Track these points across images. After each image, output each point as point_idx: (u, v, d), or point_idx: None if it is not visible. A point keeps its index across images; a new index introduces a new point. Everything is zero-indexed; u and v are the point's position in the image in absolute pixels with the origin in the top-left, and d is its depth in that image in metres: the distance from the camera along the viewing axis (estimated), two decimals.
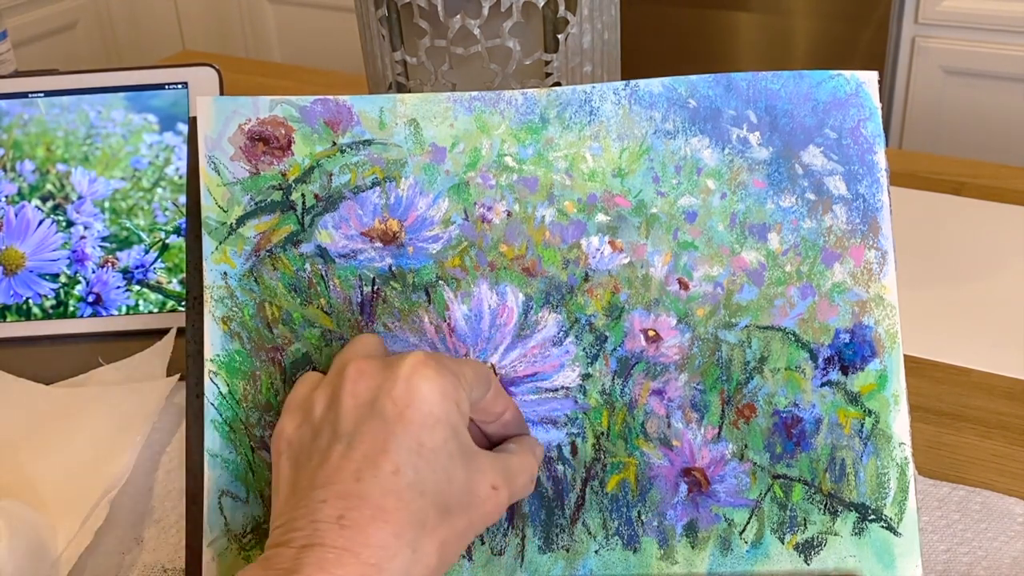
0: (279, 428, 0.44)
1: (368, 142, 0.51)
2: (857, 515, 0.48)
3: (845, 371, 0.49)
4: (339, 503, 0.38)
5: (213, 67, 0.75)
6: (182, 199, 0.74)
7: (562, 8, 0.62)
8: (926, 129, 1.71)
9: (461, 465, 0.41)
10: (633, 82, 0.51)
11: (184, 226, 0.74)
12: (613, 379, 0.49)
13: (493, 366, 0.49)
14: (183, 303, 0.73)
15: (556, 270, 0.50)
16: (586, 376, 0.49)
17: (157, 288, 0.74)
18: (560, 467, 0.49)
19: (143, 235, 0.75)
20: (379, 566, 0.37)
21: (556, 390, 0.49)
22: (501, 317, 0.50)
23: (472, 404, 0.44)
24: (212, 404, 0.50)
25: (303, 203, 0.51)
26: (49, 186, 0.75)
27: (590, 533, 0.49)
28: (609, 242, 0.50)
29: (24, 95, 0.76)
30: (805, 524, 0.49)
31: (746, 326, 0.49)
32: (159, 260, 0.74)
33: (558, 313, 0.50)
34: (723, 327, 0.49)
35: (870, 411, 0.49)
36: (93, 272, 0.74)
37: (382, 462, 0.39)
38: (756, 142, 0.50)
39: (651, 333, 0.49)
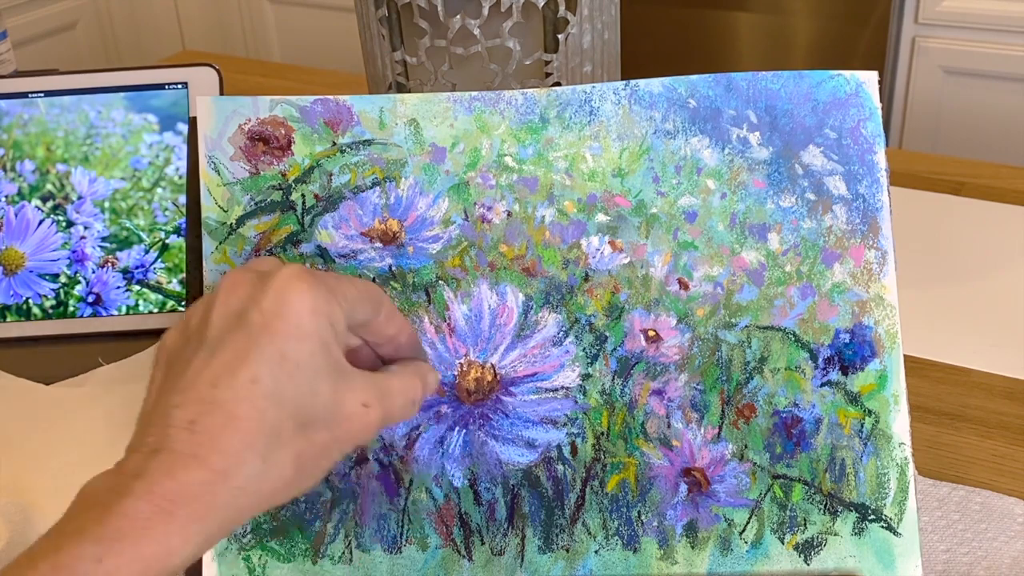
0: (162, 339, 0.44)
1: (368, 142, 0.51)
2: (857, 515, 0.48)
3: (845, 371, 0.49)
4: (192, 408, 0.38)
5: (213, 67, 0.75)
6: (182, 199, 0.74)
7: (562, 8, 0.62)
8: (926, 129, 1.71)
9: (328, 380, 0.40)
10: (633, 82, 0.51)
11: (184, 226, 0.74)
12: (613, 379, 0.49)
13: (493, 367, 0.49)
14: (183, 303, 0.73)
15: (556, 270, 0.50)
16: (586, 376, 0.49)
17: (157, 288, 0.74)
18: (560, 467, 0.49)
19: (143, 235, 0.75)
20: (226, 472, 0.37)
21: (556, 390, 0.49)
22: (501, 317, 0.50)
23: (359, 325, 0.44)
24: None
25: (303, 203, 0.51)
26: (49, 186, 0.75)
27: (590, 533, 0.49)
28: (609, 242, 0.50)
29: (24, 95, 0.76)
30: (805, 524, 0.49)
31: (746, 326, 0.49)
32: (159, 260, 0.74)
33: (558, 313, 0.50)
34: (723, 327, 0.49)
35: (870, 411, 0.49)
36: (93, 272, 0.74)
37: (240, 370, 0.39)
38: (756, 142, 0.50)
39: (651, 333, 0.49)
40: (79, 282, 0.74)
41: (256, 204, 0.51)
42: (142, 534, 0.35)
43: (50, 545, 0.35)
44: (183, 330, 0.43)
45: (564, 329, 0.50)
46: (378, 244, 0.50)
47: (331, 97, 0.51)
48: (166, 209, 0.75)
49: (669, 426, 0.49)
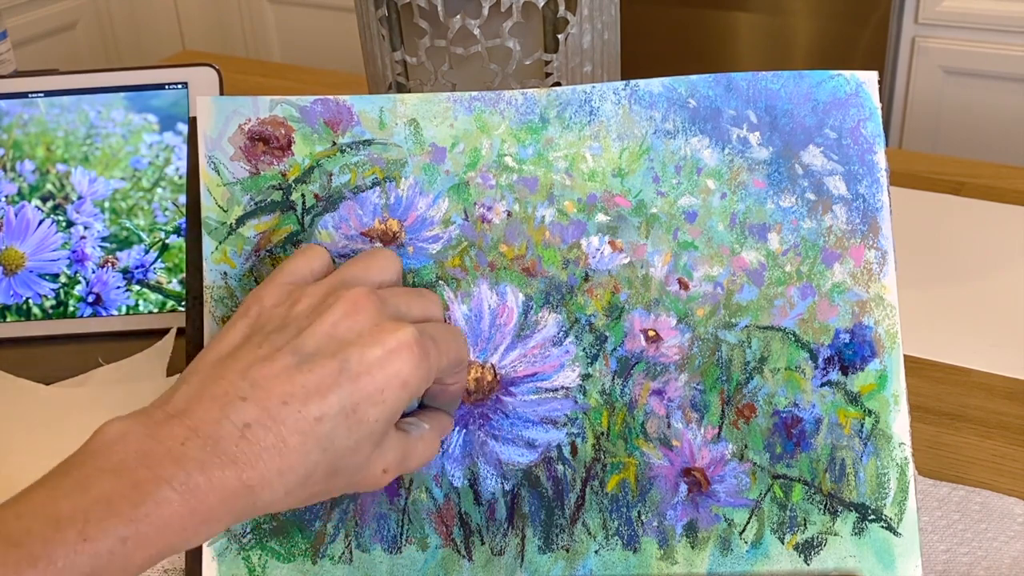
0: (260, 291, 0.43)
1: (368, 142, 0.51)
2: (857, 515, 0.48)
3: (845, 371, 0.49)
4: (255, 412, 0.38)
5: (213, 67, 0.75)
6: (182, 199, 0.74)
7: (562, 8, 0.62)
8: (926, 129, 1.71)
9: (372, 444, 0.41)
10: (633, 82, 0.51)
11: (184, 226, 0.74)
12: (613, 379, 0.49)
13: (493, 367, 0.49)
14: (183, 303, 0.73)
15: (556, 270, 0.50)
16: (586, 376, 0.49)
17: (157, 288, 0.74)
18: (560, 467, 0.49)
19: (143, 235, 0.75)
20: (253, 490, 0.37)
21: (556, 390, 0.49)
22: (501, 317, 0.50)
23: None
24: None
25: (303, 203, 0.51)
26: (49, 186, 0.75)
27: (590, 533, 0.49)
28: (609, 242, 0.50)
29: (24, 95, 0.76)
30: (805, 524, 0.49)
31: (746, 326, 0.49)
32: (159, 260, 0.74)
33: (558, 313, 0.50)
34: (723, 327, 0.49)
35: (870, 411, 0.49)
36: (93, 272, 0.74)
37: (313, 403, 0.39)
38: (756, 142, 0.50)
39: (651, 333, 0.49)
40: (79, 282, 0.74)
41: (256, 204, 0.51)
42: (166, 525, 0.36)
43: (76, 507, 0.35)
44: (286, 302, 0.42)
45: (564, 329, 0.50)
46: (378, 244, 0.50)
47: (331, 97, 0.51)
48: (166, 209, 0.75)
49: (669, 426, 0.49)
